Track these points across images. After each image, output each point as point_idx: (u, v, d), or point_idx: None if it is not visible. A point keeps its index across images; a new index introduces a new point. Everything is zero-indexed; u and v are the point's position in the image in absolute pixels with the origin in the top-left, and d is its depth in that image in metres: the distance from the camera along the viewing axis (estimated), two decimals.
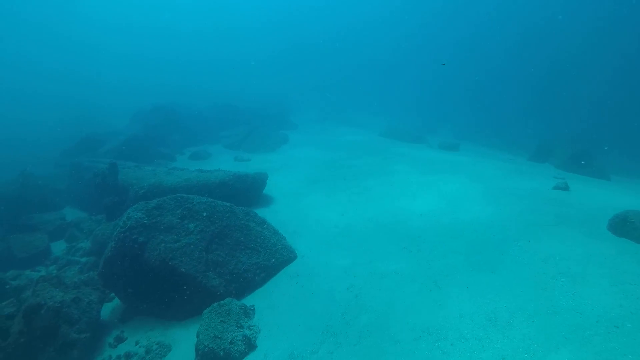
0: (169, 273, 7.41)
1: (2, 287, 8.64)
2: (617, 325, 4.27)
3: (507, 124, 26.42)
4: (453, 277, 6.16)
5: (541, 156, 17.58)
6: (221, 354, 5.64)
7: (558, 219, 7.28)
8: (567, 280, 5.29)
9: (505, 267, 6.04)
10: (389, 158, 15.44)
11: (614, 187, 11.08)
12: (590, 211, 7.46)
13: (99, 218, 11.29)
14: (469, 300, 5.44)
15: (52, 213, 12.11)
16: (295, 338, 5.74)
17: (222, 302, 6.61)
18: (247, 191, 11.75)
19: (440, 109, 34.36)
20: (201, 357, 5.65)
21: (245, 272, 7.90)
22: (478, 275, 6.01)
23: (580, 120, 23.12)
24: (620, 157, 17.44)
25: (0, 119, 29.81)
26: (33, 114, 31.39)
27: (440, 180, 11.61)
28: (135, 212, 7.96)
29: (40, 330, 6.69)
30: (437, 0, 48.31)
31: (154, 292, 7.54)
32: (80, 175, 13.55)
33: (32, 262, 9.99)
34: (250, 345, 5.87)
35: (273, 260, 8.29)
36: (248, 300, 7.23)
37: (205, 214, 8.43)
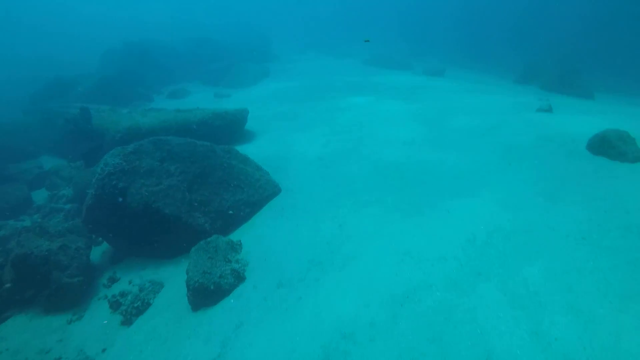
0: (153, 216, 7.41)
1: None
2: (585, 237, 4.44)
3: (494, 47, 25.70)
4: (435, 203, 6.26)
5: (527, 78, 17.33)
6: (212, 287, 5.82)
7: (539, 141, 7.31)
8: (543, 200, 5.40)
9: (486, 190, 6.13)
10: (367, 87, 15.06)
11: (597, 107, 11.06)
12: (572, 132, 7.48)
13: (78, 164, 11.05)
14: (448, 223, 5.57)
15: (29, 162, 11.81)
16: (282, 268, 5.92)
17: (208, 239, 6.70)
18: (228, 128, 11.49)
19: (427, 34, 33.08)
20: (193, 292, 5.84)
21: (230, 209, 7.95)
22: (459, 200, 6.12)
23: (566, 41, 22.54)
24: (605, 75, 17.28)
25: None
26: None
27: (422, 107, 11.45)
28: (112, 158, 7.76)
29: (31, 277, 6.80)
30: None
31: (141, 235, 7.59)
32: (53, 122, 13.04)
33: (15, 212, 9.90)
34: (239, 278, 6.05)
35: (257, 195, 8.32)
36: (235, 236, 7.34)
37: (185, 155, 8.27)
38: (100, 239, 8.50)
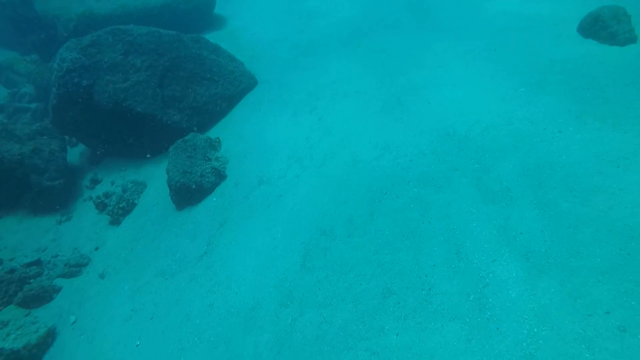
0: (126, 115, 7.10)
1: None
2: (562, 130, 4.43)
3: None
4: (417, 93, 6.05)
5: None
6: (193, 187, 5.88)
7: (529, 22, 6.81)
8: (525, 90, 5.25)
9: (468, 81, 5.90)
10: None
11: None
12: (565, 9, 6.93)
13: (33, 58, 10.14)
14: (429, 116, 5.47)
15: None
16: (262, 165, 5.93)
17: (185, 137, 6.54)
18: (195, 14, 10.39)
19: None
20: (175, 192, 5.91)
21: (205, 105, 7.63)
22: (440, 90, 5.91)
23: None
24: None
25: None
26: None
27: None
28: (68, 52, 7.08)
29: (8, 181, 6.72)
30: None
31: (116, 135, 7.36)
32: None
33: None
34: (220, 176, 6.09)
35: (233, 89, 7.92)
36: (213, 133, 7.18)
37: (151, 47, 7.58)
38: (74, 139, 8.25)
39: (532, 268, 3.30)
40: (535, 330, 2.92)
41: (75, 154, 8.14)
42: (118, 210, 6.30)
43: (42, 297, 5.03)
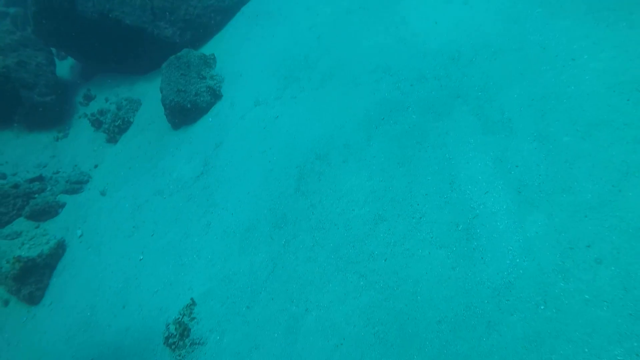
0: (114, 27, 6.71)
1: None
2: (574, 58, 4.18)
3: None
4: (422, 9, 5.62)
5: None
6: (188, 106, 5.75)
7: None
8: (542, 11, 4.84)
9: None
10: None
11: None
12: None
13: None
14: (434, 37, 5.14)
15: None
16: (259, 84, 5.73)
17: (179, 54, 6.24)
18: None
19: None
20: (170, 111, 5.79)
21: (199, 17, 7.17)
22: (448, 7, 5.46)
23: None
24: None
25: None
26: None
27: None
28: None
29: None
30: None
31: (106, 48, 7.02)
32: None
33: None
34: (216, 95, 5.93)
35: (228, 0, 7.37)
36: (207, 49, 6.84)
37: None
38: (63, 52, 7.89)
39: (523, 201, 3.34)
40: (518, 260, 3.04)
41: (64, 67, 7.85)
42: (114, 129, 6.24)
43: (48, 212, 5.21)
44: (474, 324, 2.85)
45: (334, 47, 5.70)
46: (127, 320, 3.84)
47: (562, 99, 3.92)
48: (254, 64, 6.11)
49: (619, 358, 2.48)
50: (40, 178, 5.68)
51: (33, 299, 4.39)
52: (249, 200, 4.31)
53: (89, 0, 6.62)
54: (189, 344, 3.36)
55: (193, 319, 3.52)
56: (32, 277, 4.45)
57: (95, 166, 5.85)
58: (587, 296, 2.75)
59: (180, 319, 3.48)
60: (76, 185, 5.52)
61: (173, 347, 3.37)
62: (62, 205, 5.28)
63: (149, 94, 6.58)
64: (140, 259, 4.30)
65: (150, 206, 4.82)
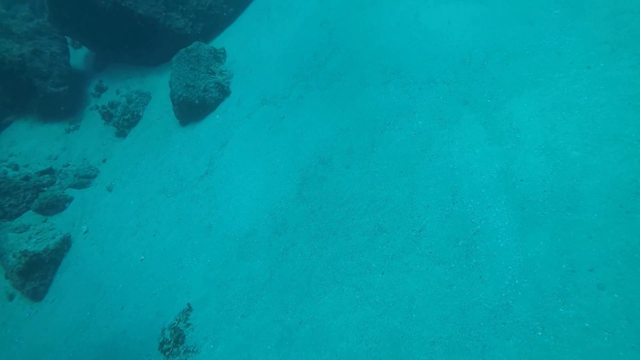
0: (126, 17, 6.70)
1: None
2: (590, 65, 4.00)
3: None
4: (436, 8, 5.44)
5: None
6: (196, 102, 5.74)
7: None
8: (561, 12, 4.63)
9: None
10: None
11: None
12: None
13: None
14: (446, 39, 4.98)
15: None
16: (267, 82, 5.68)
17: (189, 47, 6.21)
18: None
19: None
20: (178, 107, 5.80)
21: (211, 9, 7.10)
22: (463, 6, 5.27)
23: None
24: None
25: None
26: None
27: None
28: None
29: (14, 84, 6.67)
30: None
31: (119, 38, 7.04)
32: None
33: None
34: (224, 92, 5.90)
35: None
36: (218, 42, 6.79)
37: None
38: (77, 42, 7.94)
39: (526, 218, 3.25)
40: (517, 281, 2.98)
41: (79, 56, 7.91)
42: (123, 122, 6.29)
43: (56, 206, 5.31)
44: (469, 348, 2.81)
45: (345, 44, 5.59)
46: (124, 322, 3.91)
47: (574, 110, 3.77)
48: (263, 59, 6.05)
49: None
50: (50, 171, 5.78)
51: (36, 295, 4.51)
52: (250, 204, 4.31)
53: None
54: (182, 351, 3.42)
55: (188, 325, 3.57)
56: (37, 273, 4.57)
57: (104, 160, 5.92)
58: (587, 324, 2.67)
59: (175, 325, 3.54)
60: (84, 179, 5.60)
61: (167, 353, 3.44)
62: (70, 200, 5.38)
63: (159, 87, 6.59)
64: (142, 259, 4.36)
65: (154, 204, 4.87)
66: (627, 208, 3.05)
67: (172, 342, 3.44)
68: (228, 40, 6.66)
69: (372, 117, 4.52)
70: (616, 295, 2.71)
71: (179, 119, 5.84)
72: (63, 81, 6.79)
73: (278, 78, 5.62)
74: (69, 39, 7.76)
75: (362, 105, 4.68)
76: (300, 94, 5.26)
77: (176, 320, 3.57)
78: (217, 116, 5.59)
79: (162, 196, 4.95)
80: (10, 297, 4.61)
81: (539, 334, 2.72)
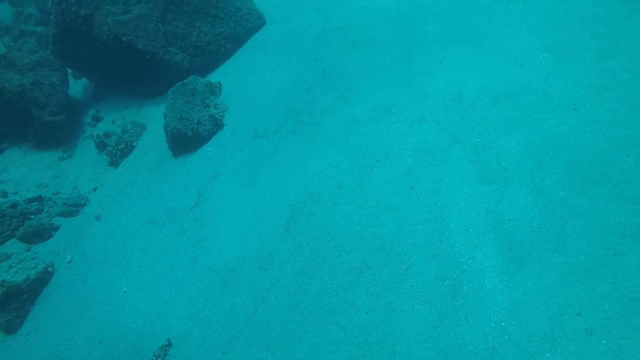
0: (126, 51, 6.86)
1: None
2: (577, 107, 4.08)
3: None
4: (428, 49, 5.61)
5: None
6: (189, 134, 5.79)
7: None
8: (548, 56, 4.78)
9: (487, 39, 5.40)
10: None
11: None
12: None
13: None
14: (437, 78, 5.10)
15: None
16: (260, 116, 5.75)
17: (185, 81, 6.33)
18: None
19: None
20: (171, 138, 5.84)
21: (209, 45, 7.30)
22: (455, 47, 5.45)
23: None
24: None
25: None
26: None
27: None
28: None
29: (11, 113, 6.74)
30: None
31: (117, 70, 7.19)
32: None
33: None
34: (218, 125, 5.96)
35: (239, 28, 7.51)
36: (214, 76, 6.94)
37: None
38: (78, 73, 8.11)
39: (513, 259, 3.21)
40: (503, 324, 2.90)
41: (79, 86, 8.05)
42: (117, 152, 6.32)
43: (42, 234, 5.24)
44: None
45: (338, 81, 5.71)
46: (101, 357, 3.77)
47: (561, 150, 3.81)
48: (258, 94, 6.16)
49: None
50: (39, 198, 5.74)
51: (11, 328, 4.36)
52: (237, 237, 4.26)
53: (105, 23, 6.82)
54: None
55: None
56: (14, 304, 4.43)
57: (95, 189, 5.90)
58: None
59: None
60: (73, 208, 5.56)
61: None
62: (56, 228, 5.31)
63: (154, 118, 6.67)
64: (125, 291, 4.25)
65: (141, 235, 4.81)
66: (614, 250, 3.02)
67: None
68: (224, 74, 6.81)
69: (362, 153, 4.55)
70: (604, 341, 2.64)
71: (171, 150, 5.87)
72: (60, 110, 6.87)
73: (271, 112, 5.69)
74: (69, 70, 7.91)
75: (353, 141, 4.72)
76: (293, 128, 5.31)
77: (154, 356, 3.44)
78: (210, 148, 5.62)
79: (150, 227, 4.89)
80: None
81: None
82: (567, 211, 3.37)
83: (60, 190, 6.08)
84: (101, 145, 6.54)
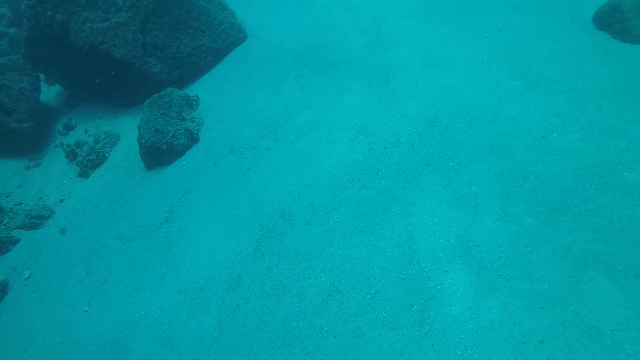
0: (103, 59, 6.73)
1: None
2: (545, 135, 4.20)
3: None
4: (406, 71, 5.71)
5: None
6: (164, 147, 5.69)
7: (543, 3, 6.29)
8: (520, 84, 4.93)
9: (462, 65, 5.53)
10: None
11: None
12: None
13: None
14: (413, 100, 5.18)
15: None
16: (236, 132, 5.70)
17: (162, 92, 6.24)
18: None
19: None
20: (145, 151, 5.72)
21: (189, 57, 7.24)
22: (432, 71, 5.56)
23: None
24: None
25: None
26: None
27: None
28: None
29: None
30: None
31: (93, 79, 7.03)
32: None
33: None
34: (193, 139, 5.88)
35: (220, 41, 7.49)
36: (193, 89, 6.87)
37: None
38: (51, 79, 7.90)
39: (480, 285, 3.23)
40: (469, 352, 2.90)
41: (51, 93, 7.84)
42: (87, 162, 6.14)
43: None
44: None
45: (316, 100, 5.73)
46: None
47: (530, 177, 3.90)
48: (235, 109, 6.12)
49: None
50: None
51: None
52: (207, 256, 4.17)
53: (82, 30, 6.68)
54: None
55: None
56: None
57: (61, 201, 5.70)
58: None
59: None
60: (36, 220, 5.34)
61: None
62: (16, 242, 5.09)
63: (129, 129, 6.53)
64: (85, 311, 4.09)
65: (107, 251, 4.65)
66: (576, 279, 3.08)
67: None
68: (203, 87, 6.75)
69: (336, 173, 4.55)
70: None
71: (145, 163, 5.74)
72: (29, 117, 6.66)
73: (248, 128, 5.66)
74: (42, 76, 7.70)
75: (328, 161, 4.72)
76: (268, 146, 5.29)
77: None
78: (184, 163, 5.53)
79: (118, 242, 4.74)
80: None
81: None
82: (533, 238, 3.43)
83: (23, 201, 5.85)
84: (71, 155, 6.35)
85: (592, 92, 4.59)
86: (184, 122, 6.02)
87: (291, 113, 5.65)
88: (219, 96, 6.51)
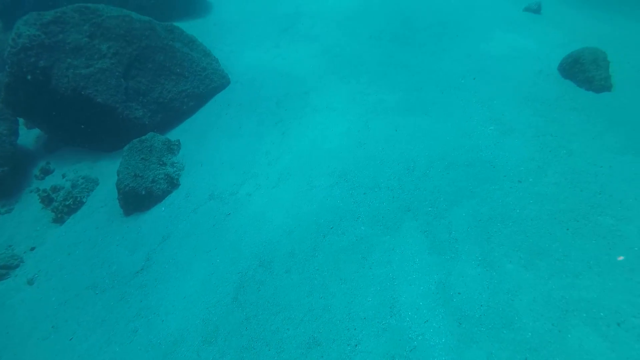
0: (84, 104, 6.73)
1: None
2: (521, 180, 4.28)
3: None
4: (385, 116, 5.84)
5: None
6: (143, 192, 5.59)
7: (513, 53, 6.64)
8: (495, 129, 5.08)
9: (440, 110, 5.71)
10: None
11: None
12: (552, 43, 6.77)
13: None
14: (392, 145, 5.26)
15: None
16: (217, 177, 5.67)
17: (143, 137, 6.22)
18: None
19: None
20: (123, 196, 5.61)
21: (172, 102, 7.31)
22: (410, 117, 5.70)
23: None
24: None
25: None
26: None
27: None
28: (26, 28, 6.65)
29: None
30: None
31: (74, 124, 7.00)
32: None
33: None
34: (173, 184, 5.82)
35: (203, 87, 7.60)
36: (174, 133, 6.88)
37: (120, 33, 7.17)
38: (30, 123, 7.85)
39: (462, 335, 3.15)
40: None
41: (30, 137, 7.75)
42: (63, 208, 5.98)
43: None
44: None
45: (296, 145, 5.78)
46: None
47: (508, 222, 3.93)
48: (216, 154, 6.12)
49: None
50: None
51: None
52: (183, 306, 4.01)
53: (65, 76, 6.71)
54: None
55: None
56: None
57: (32, 249, 5.48)
58: None
59: None
60: (2, 270, 5.10)
61: None
62: None
63: (108, 174, 6.44)
64: None
65: (79, 302, 4.44)
66: (558, 327, 3.04)
67: None
68: (185, 132, 6.78)
69: (316, 220, 4.52)
70: None
71: (123, 208, 5.63)
72: (4, 162, 6.53)
73: (229, 173, 5.64)
74: (21, 120, 7.65)
75: (307, 206, 4.70)
76: (249, 191, 5.26)
77: None
78: (163, 208, 5.44)
79: (90, 292, 4.54)
80: None
81: None
82: (514, 285, 3.41)
83: None
84: (47, 200, 6.19)
85: (564, 137, 4.75)
86: (164, 167, 5.97)
87: (272, 158, 5.67)
88: (200, 141, 6.53)
